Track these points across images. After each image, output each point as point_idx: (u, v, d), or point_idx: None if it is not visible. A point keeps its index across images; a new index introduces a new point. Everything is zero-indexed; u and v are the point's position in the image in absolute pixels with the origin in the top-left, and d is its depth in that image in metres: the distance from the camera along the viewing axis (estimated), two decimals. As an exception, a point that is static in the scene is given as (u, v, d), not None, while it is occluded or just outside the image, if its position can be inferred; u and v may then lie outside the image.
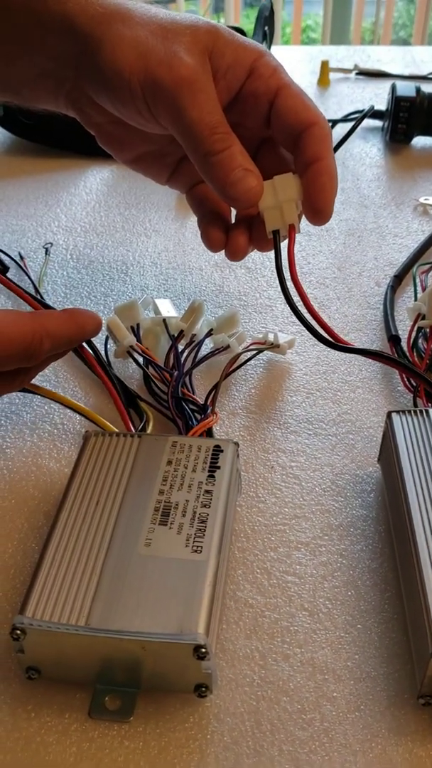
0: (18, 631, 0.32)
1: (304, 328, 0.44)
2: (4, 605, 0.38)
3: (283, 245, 0.44)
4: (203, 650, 0.31)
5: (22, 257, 0.63)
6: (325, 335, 0.44)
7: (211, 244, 0.46)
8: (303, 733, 0.33)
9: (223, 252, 0.47)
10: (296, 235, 0.44)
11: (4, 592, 0.38)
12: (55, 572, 0.34)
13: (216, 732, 0.33)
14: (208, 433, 0.44)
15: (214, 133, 0.41)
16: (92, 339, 0.47)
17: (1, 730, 0.33)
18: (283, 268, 0.43)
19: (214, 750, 0.33)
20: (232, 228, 0.47)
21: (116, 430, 0.44)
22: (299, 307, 0.43)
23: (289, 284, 0.43)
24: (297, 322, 0.43)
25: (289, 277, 0.43)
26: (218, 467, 0.39)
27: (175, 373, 0.48)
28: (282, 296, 0.43)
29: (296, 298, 0.43)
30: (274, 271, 0.43)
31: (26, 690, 0.34)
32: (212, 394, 0.47)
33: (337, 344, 0.45)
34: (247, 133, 0.44)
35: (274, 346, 0.52)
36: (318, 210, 0.42)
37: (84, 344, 0.47)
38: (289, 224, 0.43)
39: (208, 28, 0.43)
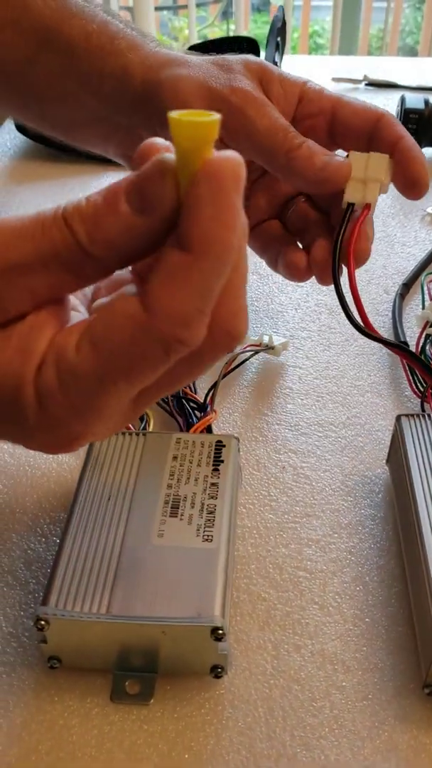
0: (42, 622, 0.34)
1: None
2: (29, 597, 0.39)
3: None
4: (220, 632, 0.33)
5: None
6: (358, 319, 0.45)
7: (298, 271, 0.47)
8: (313, 719, 0.35)
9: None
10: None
11: (27, 584, 0.40)
12: (74, 565, 0.36)
13: (231, 718, 0.35)
14: (208, 429, 0.46)
15: (288, 132, 0.44)
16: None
17: (26, 713, 0.35)
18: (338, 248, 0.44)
19: (228, 734, 0.34)
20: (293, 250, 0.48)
21: None
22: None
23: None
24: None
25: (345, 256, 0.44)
26: (222, 461, 0.41)
27: None
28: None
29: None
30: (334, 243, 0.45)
31: (49, 676, 0.36)
32: (211, 392, 0.49)
33: (365, 330, 0.45)
34: None
35: (269, 348, 0.54)
36: (415, 180, 0.45)
37: None
38: (366, 202, 0.44)
39: (256, 61, 0.46)
